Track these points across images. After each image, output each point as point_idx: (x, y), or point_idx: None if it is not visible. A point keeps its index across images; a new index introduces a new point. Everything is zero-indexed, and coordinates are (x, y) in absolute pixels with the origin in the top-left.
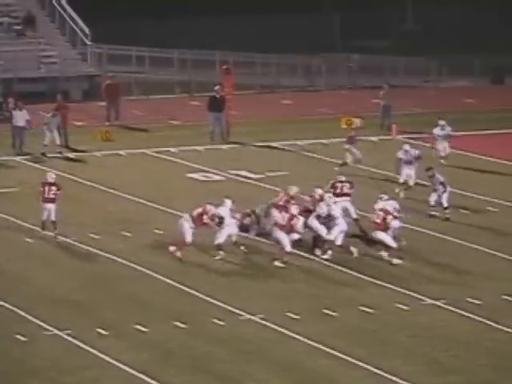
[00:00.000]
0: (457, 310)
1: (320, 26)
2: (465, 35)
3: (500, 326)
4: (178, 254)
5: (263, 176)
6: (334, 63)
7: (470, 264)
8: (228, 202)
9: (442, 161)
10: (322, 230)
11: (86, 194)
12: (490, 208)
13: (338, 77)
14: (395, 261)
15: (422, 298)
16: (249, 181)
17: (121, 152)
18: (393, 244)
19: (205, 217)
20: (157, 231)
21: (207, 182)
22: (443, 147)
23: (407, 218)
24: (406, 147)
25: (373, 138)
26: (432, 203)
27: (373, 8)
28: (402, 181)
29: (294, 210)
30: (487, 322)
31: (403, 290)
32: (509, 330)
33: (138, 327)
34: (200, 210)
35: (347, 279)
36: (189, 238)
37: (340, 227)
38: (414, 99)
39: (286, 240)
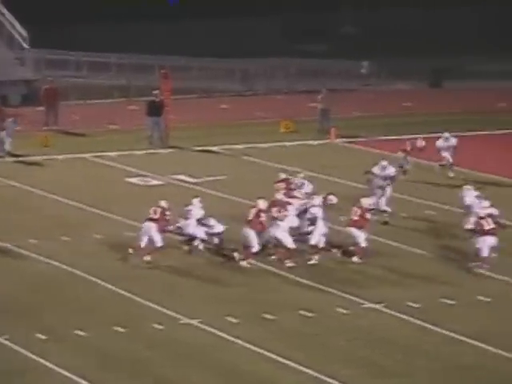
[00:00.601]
0: (396, 314)
1: (259, 30)
2: (403, 38)
3: (439, 329)
4: (148, 258)
5: (202, 180)
6: (273, 67)
7: (409, 267)
8: (195, 201)
9: (449, 174)
10: (289, 242)
11: (25, 199)
12: (428, 211)
13: (277, 81)
14: (355, 259)
15: (362, 301)
16: (188, 185)
17: (59, 157)
18: (364, 243)
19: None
20: (96, 236)
21: (146, 186)
22: (446, 159)
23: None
24: (384, 163)
25: (310, 142)
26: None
27: (312, 11)
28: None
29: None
30: (426, 325)
31: (343, 293)
32: (447, 332)
33: (78, 332)
34: (159, 210)
35: (287, 283)
36: (159, 243)
37: (320, 230)
38: (352, 103)
39: (255, 239)
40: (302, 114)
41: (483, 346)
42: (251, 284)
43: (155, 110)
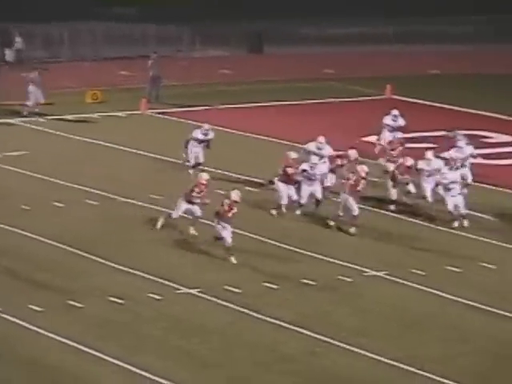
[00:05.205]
0: (213, 299)
1: None
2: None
3: (261, 316)
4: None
5: (1, 156)
6: (78, 32)
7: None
8: None
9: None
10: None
11: None
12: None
13: (82, 47)
14: None
15: (176, 286)
16: None
17: None
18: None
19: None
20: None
21: None
22: (390, 140)
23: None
24: (206, 126)
25: (120, 114)
26: None
27: None
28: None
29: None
30: (247, 311)
31: (155, 277)
32: (270, 319)
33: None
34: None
35: (93, 267)
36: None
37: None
38: (165, 70)
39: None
40: (110, 83)
41: (306, 332)
42: (57, 269)
43: None
